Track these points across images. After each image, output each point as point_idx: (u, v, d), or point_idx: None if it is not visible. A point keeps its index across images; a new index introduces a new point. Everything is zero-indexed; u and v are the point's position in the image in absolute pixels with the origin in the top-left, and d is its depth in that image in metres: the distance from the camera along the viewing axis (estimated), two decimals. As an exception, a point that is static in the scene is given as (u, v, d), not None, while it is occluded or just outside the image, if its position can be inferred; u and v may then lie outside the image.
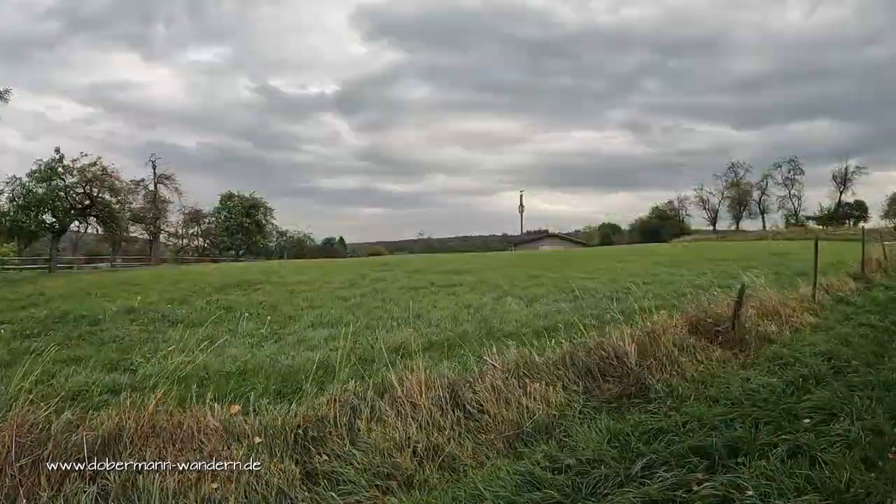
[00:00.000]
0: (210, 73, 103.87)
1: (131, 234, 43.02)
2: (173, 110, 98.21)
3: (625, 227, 65.63)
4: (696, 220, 63.91)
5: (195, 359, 7.85)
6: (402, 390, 4.52)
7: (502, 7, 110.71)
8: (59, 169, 28.16)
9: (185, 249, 54.88)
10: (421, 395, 4.47)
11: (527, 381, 4.71)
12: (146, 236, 42.82)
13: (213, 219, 51.40)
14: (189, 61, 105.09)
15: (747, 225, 60.35)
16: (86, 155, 28.76)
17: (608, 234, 63.43)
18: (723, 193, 61.48)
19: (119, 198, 29.17)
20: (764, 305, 7.16)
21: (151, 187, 42.09)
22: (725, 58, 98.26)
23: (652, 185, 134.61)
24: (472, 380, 4.74)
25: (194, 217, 54.19)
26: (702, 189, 62.81)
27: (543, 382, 4.65)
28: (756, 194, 60.80)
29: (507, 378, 4.74)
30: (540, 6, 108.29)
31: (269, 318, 9.78)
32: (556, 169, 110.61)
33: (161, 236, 50.85)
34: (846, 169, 57.13)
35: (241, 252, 54.64)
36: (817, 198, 64.32)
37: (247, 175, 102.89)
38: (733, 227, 59.45)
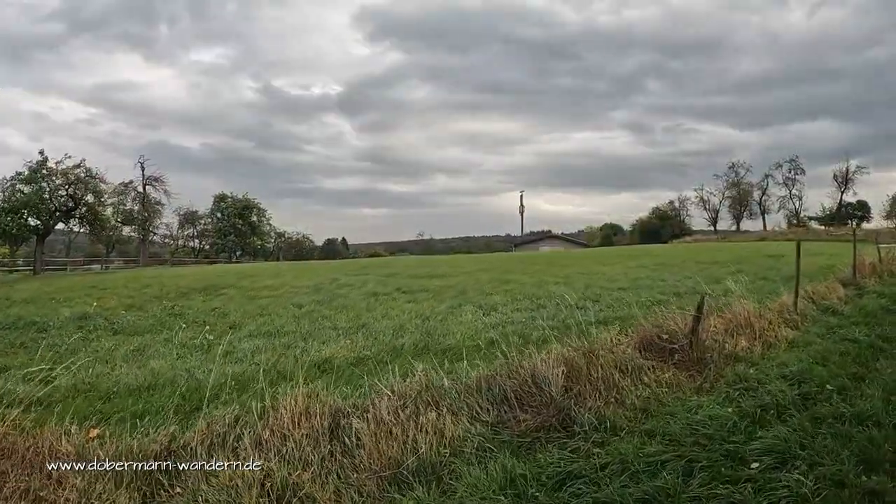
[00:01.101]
0: (212, 73, 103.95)
1: (124, 236, 42.63)
2: (176, 111, 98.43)
3: (627, 227, 64.67)
4: (698, 220, 62.85)
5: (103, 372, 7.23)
6: (276, 417, 3.81)
7: (503, 8, 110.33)
8: (44, 171, 27.76)
9: (182, 250, 54.63)
10: (295, 424, 3.75)
11: (429, 409, 3.97)
12: (139, 237, 42.20)
13: (210, 220, 50.94)
14: (191, 62, 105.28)
15: (749, 225, 59.19)
16: (69, 157, 28.40)
17: (609, 234, 62.42)
18: (723, 194, 60.32)
19: (102, 199, 28.61)
20: (736, 318, 6.35)
21: (140, 189, 41.40)
22: (727, 59, 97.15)
23: (656, 185, 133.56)
24: (363, 407, 4.01)
25: (189, 218, 53.85)
26: (702, 189, 61.73)
27: (445, 411, 3.90)
28: (757, 194, 59.62)
29: (404, 405, 4.01)
30: (541, 7, 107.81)
31: (207, 327, 9.18)
32: (559, 170, 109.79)
33: (157, 238, 50.91)
34: (847, 169, 55.74)
35: (239, 254, 54.24)
36: (820, 198, 63.02)
37: (249, 175, 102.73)
38: (734, 228, 58.39)
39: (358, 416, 3.87)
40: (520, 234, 64.70)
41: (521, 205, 62.88)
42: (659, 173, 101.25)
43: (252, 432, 3.73)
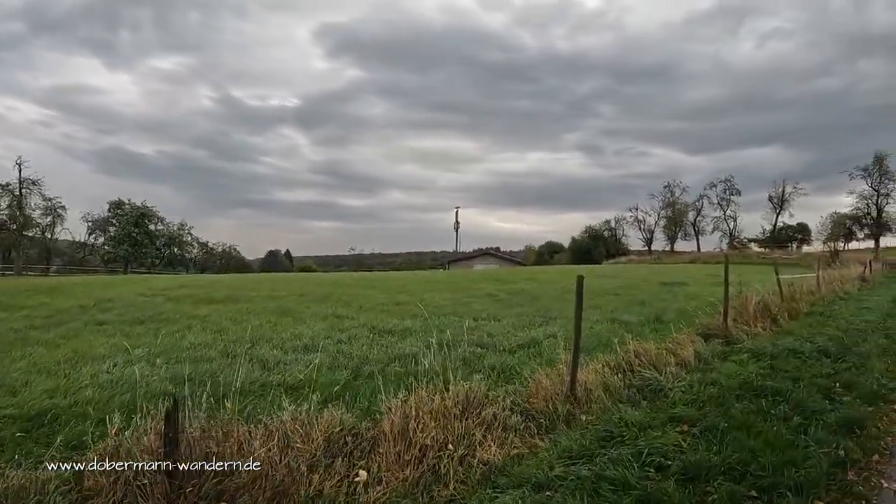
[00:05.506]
0: (171, 81, 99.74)
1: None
2: (133, 116, 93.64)
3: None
4: (636, 240, 61.30)
5: None
6: None
7: (464, 31, 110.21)
8: None
9: (88, 258, 49.62)
10: None
11: None
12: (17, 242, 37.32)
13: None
14: (151, 68, 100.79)
15: (685, 246, 57.68)
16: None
17: (543, 253, 60.21)
18: (659, 214, 58.81)
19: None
20: (400, 421, 3.19)
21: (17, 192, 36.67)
22: (679, 85, 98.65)
23: (607, 205, 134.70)
24: None
25: (100, 225, 49.01)
26: (637, 210, 60.11)
27: None
28: (692, 215, 58.15)
29: None
30: (500, 31, 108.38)
31: None
32: (512, 189, 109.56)
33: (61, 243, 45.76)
34: (783, 190, 55.07)
35: (158, 264, 49.44)
36: (762, 221, 62.68)
37: (203, 185, 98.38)
38: (668, 248, 56.88)
39: None
40: (460, 250, 62.25)
41: (457, 221, 60.55)
42: (610, 194, 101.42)
43: None
